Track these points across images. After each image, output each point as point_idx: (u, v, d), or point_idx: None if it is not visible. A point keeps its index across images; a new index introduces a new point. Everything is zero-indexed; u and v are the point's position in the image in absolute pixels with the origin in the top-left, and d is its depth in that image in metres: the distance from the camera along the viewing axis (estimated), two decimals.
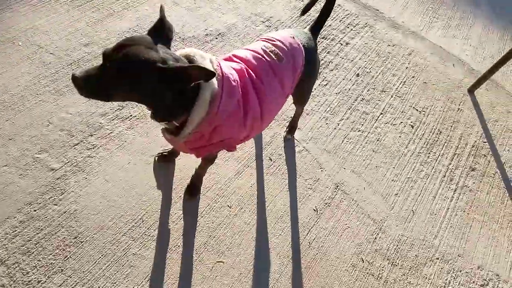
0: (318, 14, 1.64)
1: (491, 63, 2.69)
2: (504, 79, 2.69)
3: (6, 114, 1.75)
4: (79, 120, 1.80)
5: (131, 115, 1.89)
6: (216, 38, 2.34)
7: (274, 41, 1.46)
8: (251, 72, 1.37)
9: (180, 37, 2.27)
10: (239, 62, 1.38)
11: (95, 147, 1.75)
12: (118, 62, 1.03)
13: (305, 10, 1.62)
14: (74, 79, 1.04)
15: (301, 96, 1.78)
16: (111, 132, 1.81)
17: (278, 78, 1.41)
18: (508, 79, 2.71)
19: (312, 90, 1.87)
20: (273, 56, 1.41)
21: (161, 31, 1.14)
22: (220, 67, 1.24)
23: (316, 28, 1.64)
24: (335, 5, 2.79)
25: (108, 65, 1.04)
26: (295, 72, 1.48)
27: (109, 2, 2.29)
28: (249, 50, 1.43)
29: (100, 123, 1.83)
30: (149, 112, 1.24)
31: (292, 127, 2.01)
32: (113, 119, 1.85)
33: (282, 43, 1.45)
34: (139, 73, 1.04)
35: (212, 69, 1.16)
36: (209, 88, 1.17)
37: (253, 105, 1.34)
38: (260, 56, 1.40)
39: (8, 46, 1.94)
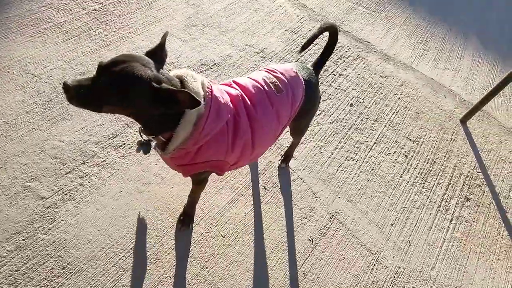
0: (321, 51, 1.65)
1: (482, 94, 2.74)
2: (495, 110, 2.74)
3: None
4: (71, 148, 1.78)
5: (124, 143, 1.88)
6: (211, 68, 2.38)
7: (276, 72, 1.48)
8: (247, 100, 1.38)
9: (175, 67, 2.30)
10: (236, 89, 1.39)
11: (87, 175, 1.72)
12: (115, 76, 1.05)
13: (304, 47, 1.59)
14: (66, 87, 1.03)
15: (299, 129, 1.78)
16: (104, 160, 1.79)
17: (275, 109, 1.42)
18: (499, 110, 2.75)
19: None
20: (272, 87, 1.43)
21: (157, 54, 1.18)
22: (211, 89, 1.24)
23: (319, 65, 1.66)
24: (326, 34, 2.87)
25: (102, 78, 1.05)
26: (293, 104, 1.48)
27: (106, 33, 2.33)
28: (250, 78, 1.46)
29: (93, 151, 1.81)
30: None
31: (287, 156, 2.00)
32: (106, 147, 1.84)
33: (284, 75, 1.47)
34: (133, 89, 1.06)
35: (202, 94, 1.19)
36: (195, 109, 1.17)
37: (243, 131, 1.34)
38: (259, 86, 1.42)
39: (3, 75, 1.95)
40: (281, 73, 1.48)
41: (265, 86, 1.42)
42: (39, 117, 1.85)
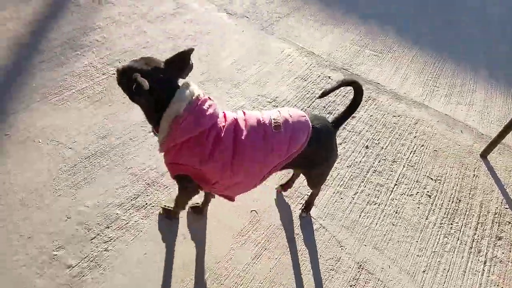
0: (344, 109, 1.63)
1: (499, 127, 2.71)
2: None
3: (25, 212, 1.77)
4: (96, 213, 1.81)
5: (146, 204, 1.90)
6: None
7: (285, 113, 1.51)
8: (241, 124, 1.44)
9: None
10: (237, 114, 1.50)
11: (111, 239, 1.74)
12: (120, 72, 1.38)
13: (324, 94, 1.55)
14: (117, 70, 1.37)
15: (311, 180, 1.77)
16: (127, 223, 1.81)
17: (267, 142, 1.43)
18: None
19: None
20: (272, 123, 1.46)
21: (175, 63, 1.37)
22: (201, 100, 1.38)
23: (340, 121, 1.63)
24: (336, 79, 2.93)
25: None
26: (291, 146, 1.47)
27: (125, 96, 2.43)
28: (258, 112, 1.52)
29: (117, 213, 1.83)
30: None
31: (308, 204, 1.99)
32: (129, 209, 1.86)
33: (291, 116, 1.50)
34: (126, 84, 1.35)
35: (187, 99, 1.35)
36: (175, 106, 1.33)
37: (224, 147, 1.40)
38: (260, 118, 1.47)
39: (28, 144, 2.04)
40: (290, 115, 1.50)
41: (266, 121, 1.46)
42: (64, 183, 1.90)
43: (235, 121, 1.45)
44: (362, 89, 1.56)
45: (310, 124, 1.52)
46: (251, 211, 1.98)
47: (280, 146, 1.45)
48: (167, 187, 1.98)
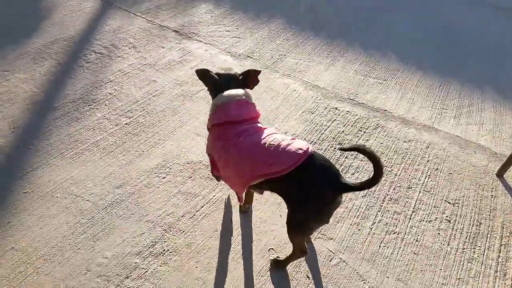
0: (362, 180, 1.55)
1: (511, 144, 2.69)
2: None
3: (47, 268, 1.80)
4: (115, 263, 1.83)
5: (164, 250, 1.92)
6: None
7: (289, 139, 1.60)
8: (252, 131, 1.67)
9: (204, 164, 2.41)
10: (256, 125, 1.74)
11: None
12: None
13: (344, 149, 1.54)
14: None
15: (288, 216, 1.64)
16: (146, 271, 1.82)
17: (257, 153, 1.59)
18: None
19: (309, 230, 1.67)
20: (269, 143, 1.57)
21: (247, 77, 1.83)
22: (236, 100, 1.71)
23: (348, 186, 1.51)
24: (346, 111, 2.95)
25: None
26: (272, 163, 1.52)
27: (138, 144, 2.51)
28: (275, 130, 1.72)
29: (136, 262, 1.85)
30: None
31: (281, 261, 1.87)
32: (147, 257, 1.88)
33: (288, 141, 1.57)
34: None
35: (230, 95, 1.72)
36: (220, 98, 1.72)
37: (227, 139, 1.67)
38: (263, 136, 1.62)
39: (47, 200, 2.10)
40: (291, 139, 1.59)
41: (268, 137, 1.61)
42: (83, 236, 1.94)
43: (254, 127, 1.69)
44: (381, 165, 1.42)
45: (304, 157, 1.49)
46: (269, 249, 1.97)
47: (265, 158, 1.54)
48: (183, 231, 2.00)
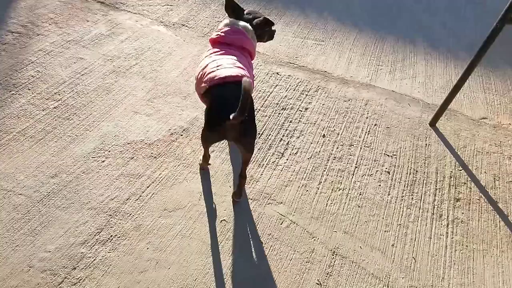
0: None
1: (443, 94, 2.85)
2: (460, 106, 2.83)
3: None
4: (59, 256, 1.74)
5: (111, 236, 1.85)
6: (181, 135, 2.41)
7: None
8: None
9: (146, 143, 2.32)
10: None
11: (80, 280, 1.68)
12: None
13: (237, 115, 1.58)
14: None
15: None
16: (94, 260, 1.75)
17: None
18: (463, 105, 2.85)
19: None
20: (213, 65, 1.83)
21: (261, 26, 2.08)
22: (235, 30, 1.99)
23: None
24: (287, 76, 2.94)
25: None
26: (203, 81, 1.83)
27: (70, 128, 2.35)
28: (230, 56, 1.89)
29: (82, 252, 1.77)
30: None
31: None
32: (93, 245, 1.80)
33: (224, 66, 1.80)
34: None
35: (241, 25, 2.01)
36: (226, 21, 2.04)
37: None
38: (220, 58, 1.86)
39: None
40: (225, 65, 1.81)
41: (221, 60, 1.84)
42: (20, 232, 1.81)
43: (228, 52, 1.92)
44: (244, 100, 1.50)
45: (210, 85, 1.75)
46: (221, 221, 1.97)
47: (204, 77, 1.80)
48: (130, 215, 1.93)
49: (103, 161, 2.19)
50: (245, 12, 2.07)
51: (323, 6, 3.82)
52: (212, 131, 1.78)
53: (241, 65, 1.80)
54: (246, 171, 1.94)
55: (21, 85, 2.59)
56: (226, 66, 1.76)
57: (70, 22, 3.20)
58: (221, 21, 2.08)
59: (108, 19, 3.29)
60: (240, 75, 1.68)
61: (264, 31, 2.13)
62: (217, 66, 1.77)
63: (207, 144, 2.06)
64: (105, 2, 3.48)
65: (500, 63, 3.29)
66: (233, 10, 2.06)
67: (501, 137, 2.59)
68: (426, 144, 2.50)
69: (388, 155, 2.40)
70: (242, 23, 2.00)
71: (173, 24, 3.35)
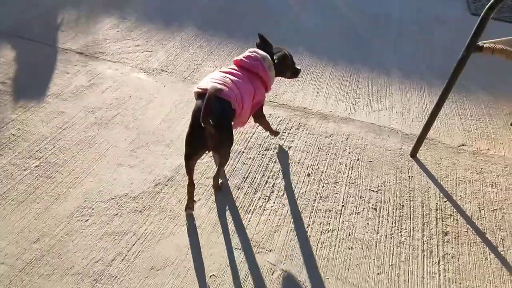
0: None
1: (419, 123, 2.91)
2: (438, 134, 2.89)
3: None
4: None
5: None
6: (166, 185, 2.39)
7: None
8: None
9: (130, 197, 2.29)
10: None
11: None
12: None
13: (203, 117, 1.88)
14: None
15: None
16: None
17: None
18: (441, 133, 2.91)
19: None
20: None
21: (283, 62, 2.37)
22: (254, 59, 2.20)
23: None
24: (268, 115, 2.98)
25: None
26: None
27: (52, 187, 2.31)
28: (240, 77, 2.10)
29: None
30: None
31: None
32: None
33: (215, 79, 2.00)
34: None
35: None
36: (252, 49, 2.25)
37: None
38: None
39: None
40: (215, 79, 2.01)
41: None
42: None
43: (240, 76, 2.13)
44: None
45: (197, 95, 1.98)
46: (210, 276, 1.94)
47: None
48: (116, 277, 1.88)
49: (87, 220, 2.15)
50: (273, 47, 2.32)
51: (298, 41, 3.92)
52: (191, 139, 1.95)
53: (228, 82, 1.98)
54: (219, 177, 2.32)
55: (1, 144, 2.55)
56: (211, 80, 1.95)
57: (50, 75, 3.21)
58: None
59: (88, 69, 3.31)
60: (219, 91, 1.82)
61: (287, 66, 2.37)
62: (209, 79, 1.99)
63: (188, 163, 2.06)
64: (84, 52, 3.52)
65: (472, 88, 3.40)
66: (263, 44, 2.29)
67: (481, 163, 2.64)
68: (409, 177, 2.53)
69: (373, 191, 2.42)
70: (263, 53, 2.20)
71: (153, 70, 3.39)
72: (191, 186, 2.12)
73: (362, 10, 4.63)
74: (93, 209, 2.21)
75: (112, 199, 2.27)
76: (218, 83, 1.90)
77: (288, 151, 2.68)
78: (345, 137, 2.82)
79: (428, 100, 3.23)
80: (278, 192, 2.39)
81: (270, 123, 2.90)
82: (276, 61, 2.28)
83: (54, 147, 2.58)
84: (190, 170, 2.09)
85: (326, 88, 3.33)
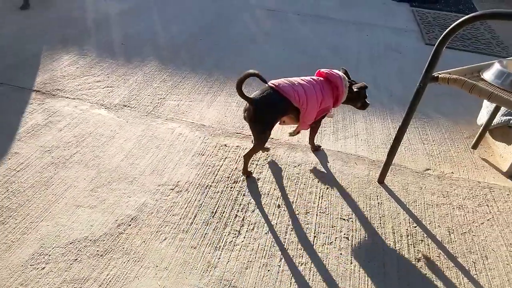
0: None
1: (385, 149, 2.96)
2: (403, 159, 2.95)
3: None
4: None
5: None
6: (130, 225, 2.26)
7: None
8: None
9: (90, 240, 2.14)
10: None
11: None
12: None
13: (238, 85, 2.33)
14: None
15: None
16: None
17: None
18: (406, 158, 2.97)
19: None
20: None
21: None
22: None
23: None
24: (235, 147, 2.93)
25: None
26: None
27: (5, 234, 2.13)
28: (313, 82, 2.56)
29: None
30: None
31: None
32: None
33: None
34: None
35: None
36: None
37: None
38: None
39: None
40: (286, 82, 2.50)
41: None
42: None
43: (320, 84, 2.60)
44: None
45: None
46: None
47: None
48: None
49: (43, 268, 1.98)
50: (351, 79, 2.68)
51: (261, 72, 3.96)
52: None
53: (295, 83, 2.46)
54: (249, 159, 2.65)
55: None
56: (285, 81, 2.46)
57: (4, 115, 3.04)
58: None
59: (45, 107, 3.18)
60: (276, 84, 2.43)
61: (361, 96, 2.64)
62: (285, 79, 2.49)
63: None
64: (41, 90, 3.39)
65: (432, 114, 3.53)
66: (345, 75, 2.63)
67: (447, 187, 2.70)
68: (378, 203, 2.53)
69: (344, 219, 2.39)
70: (343, 74, 2.58)
71: (115, 106, 3.30)
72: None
73: (323, 42, 4.80)
74: (49, 255, 2.04)
75: (70, 243, 2.11)
76: (284, 82, 2.43)
77: (257, 183, 2.63)
78: (313, 165, 2.82)
79: (392, 127, 3.32)
80: (249, 225, 2.31)
81: (238, 156, 2.87)
82: (355, 89, 2.58)
83: (7, 190, 2.40)
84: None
85: None
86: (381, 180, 2.69)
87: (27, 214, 2.27)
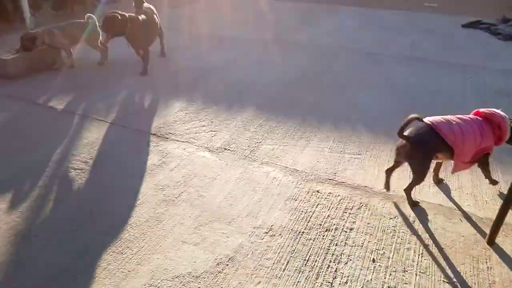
0: None
1: (494, 205, 2.72)
2: None
3: None
4: None
5: None
6: (227, 265, 2.41)
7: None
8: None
9: (193, 276, 2.33)
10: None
11: None
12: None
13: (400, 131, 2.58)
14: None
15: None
16: None
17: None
18: None
19: None
20: None
21: None
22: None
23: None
24: (328, 193, 2.96)
25: None
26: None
27: (123, 263, 2.43)
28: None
29: None
30: None
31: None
32: None
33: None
34: None
35: None
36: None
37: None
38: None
39: None
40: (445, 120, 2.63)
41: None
42: None
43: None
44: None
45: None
46: None
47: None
48: None
49: None
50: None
51: (356, 118, 3.99)
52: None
53: (451, 121, 2.56)
54: (410, 192, 2.83)
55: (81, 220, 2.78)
56: (441, 119, 2.61)
57: (126, 155, 3.53)
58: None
59: (159, 149, 3.61)
60: (433, 122, 2.58)
61: None
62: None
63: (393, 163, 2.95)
64: (156, 133, 3.86)
65: None
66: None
67: None
68: (488, 267, 2.32)
69: (447, 282, 2.24)
70: (505, 115, 2.60)
71: (217, 149, 3.60)
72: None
73: (418, 85, 4.66)
74: (158, 287, 2.27)
75: (176, 277, 2.33)
76: (440, 120, 2.57)
77: (350, 233, 2.61)
78: (412, 219, 2.71)
79: (502, 180, 3.04)
80: (341, 278, 2.30)
81: (330, 202, 2.89)
82: None
83: (127, 223, 2.76)
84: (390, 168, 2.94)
85: (387, 165, 3.28)
86: (491, 241, 2.46)
87: (141, 246, 2.57)
